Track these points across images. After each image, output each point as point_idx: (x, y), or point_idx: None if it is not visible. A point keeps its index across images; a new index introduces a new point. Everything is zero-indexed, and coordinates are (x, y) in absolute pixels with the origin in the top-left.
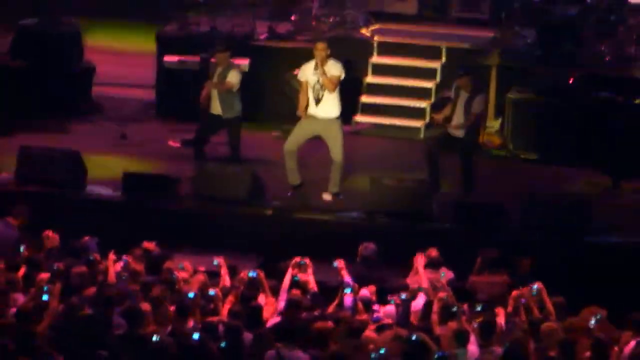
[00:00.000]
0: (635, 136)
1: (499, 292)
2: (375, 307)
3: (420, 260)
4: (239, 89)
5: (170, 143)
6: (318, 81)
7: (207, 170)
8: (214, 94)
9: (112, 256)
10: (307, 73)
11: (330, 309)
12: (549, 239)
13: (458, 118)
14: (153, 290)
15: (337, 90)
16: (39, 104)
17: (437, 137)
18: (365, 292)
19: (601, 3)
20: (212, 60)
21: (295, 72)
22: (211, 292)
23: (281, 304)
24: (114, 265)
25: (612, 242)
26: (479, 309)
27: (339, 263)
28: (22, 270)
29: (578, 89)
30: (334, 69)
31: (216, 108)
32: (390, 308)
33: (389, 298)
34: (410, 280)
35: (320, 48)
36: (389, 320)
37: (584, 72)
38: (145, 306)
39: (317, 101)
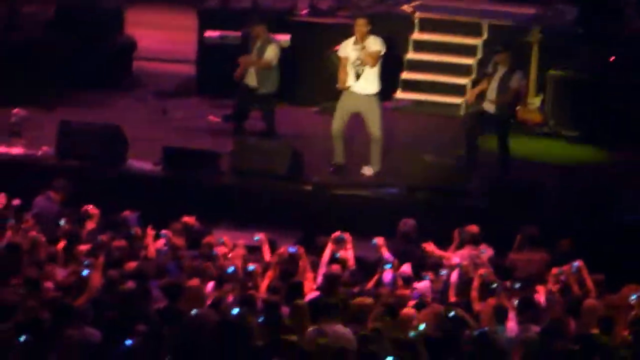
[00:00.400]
0: None
1: (538, 269)
2: (415, 283)
3: (429, 247)
4: (277, 64)
5: (211, 118)
6: (358, 57)
7: (247, 145)
8: (251, 68)
9: (150, 231)
10: (347, 49)
11: (370, 285)
12: (587, 218)
13: (493, 93)
14: (193, 265)
15: (377, 66)
16: (80, 79)
17: (473, 113)
18: (405, 268)
19: None
20: (253, 34)
21: (336, 49)
22: (250, 267)
23: (320, 280)
24: (154, 241)
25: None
26: (518, 286)
27: (378, 240)
28: (61, 244)
29: (619, 68)
30: (375, 44)
31: (252, 80)
32: (426, 284)
33: (424, 274)
34: (449, 255)
35: (361, 24)
36: (427, 296)
37: (626, 50)
38: (185, 280)
39: (357, 77)
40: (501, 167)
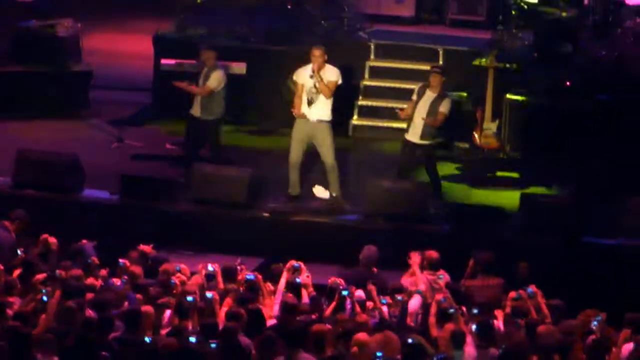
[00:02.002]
0: (632, 136)
1: (495, 294)
2: (373, 308)
3: (415, 259)
4: (221, 91)
5: (167, 146)
6: (314, 85)
7: (205, 172)
8: (197, 96)
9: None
10: (304, 76)
11: (328, 311)
12: (545, 241)
13: (418, 121)
14: (150, 293)
15: (331, 94)
16: (36, 107)
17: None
18: (360, 293)
19: (598, 5)
20: (202, 59)
21: (292, 76)
22: (208, 294)
23: (277, 307)
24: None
25: (609, 244)
26: (475, 311)
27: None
28: (17, 272)
29: (575, 91)
30: (331, 74)
31: (196, 109)
32: (385, 309)
33: (382, 299)
34: (406, 281)
35: (317, 54)
36: (385, 322)
37: (581, 74)
38: (144, 308)
39: (310, 103)
40: (435, 195)
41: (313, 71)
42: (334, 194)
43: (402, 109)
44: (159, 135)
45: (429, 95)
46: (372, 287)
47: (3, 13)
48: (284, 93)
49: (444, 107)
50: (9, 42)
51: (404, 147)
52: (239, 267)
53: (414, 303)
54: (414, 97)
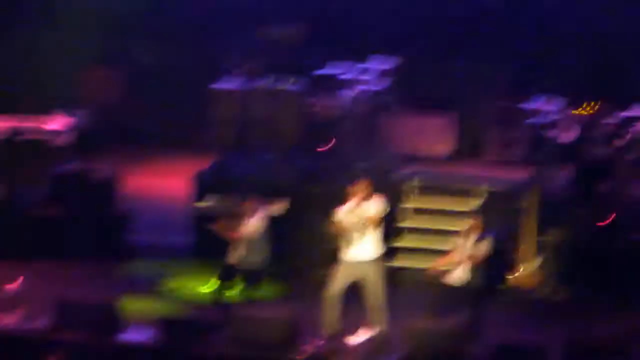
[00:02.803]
0: None
1: None
2: None
3: None
4: (260, 238)
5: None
6: (358, 220)
7: (243, 315)
8: (241, 242)
9: None
10: (345, 213)
11: None
12: None
13: (463, 264)
14: None
15: (378, 229)
16: (75, 249)
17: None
18: None
19: (637, 143)
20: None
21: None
22: None
23: None
24: None
25: None
26: None
27: None
28: None
29: (616, 230)
30: (376, 205)
31: (238, 257)
32: None
33: None
34: None
35: (362, 189)
36: None
37: (622, 212)
38: None
39: (357, 240)
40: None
41: (354, 207)
42: (380, 332)
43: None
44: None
45: (472, 237)
46: None
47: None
48: (323, 234)
49: (485, 247)
50: (49, 185)
51: (445, 291)
52: None
53: None
54: (460, 240)
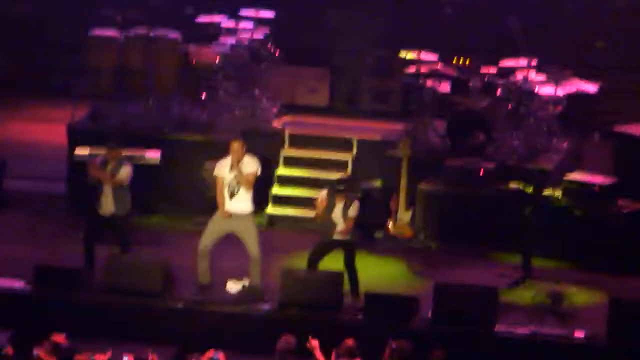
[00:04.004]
0: (545, 225)
1: None
2: None
3: (314, 344)
4: (128, 186)
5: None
6: (235, 177)
7: (119, 262)
8: (106, 191)
9: None
10: (223, 170)
11: None
12: (459, 330)
13: (338, 221)
14: None
15: (251, 186)
16: None
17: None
18: None
19: (511, 95)
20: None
21: (211, 167)
22: None
23: None
24: None
25: (521, 333)
26: None
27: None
28: None
29: (488, 180)
30: (250, 165)
31: (106, 206)
32: None
33: None
34: None
35: (236, 148)
36: None
37: (494, 164)
38: None
39: (231, 196)
40: (352, 290)
41: (232, 165)
42: (253, 283)
43: (315, 204)
44: (73, 225)
45: (338, 203)
46: None
47: None
48: (201, 185)
49: (353, 212)
50: None
51: (320, 241)
52: (150, 357)
53: None
54: (324, 196)
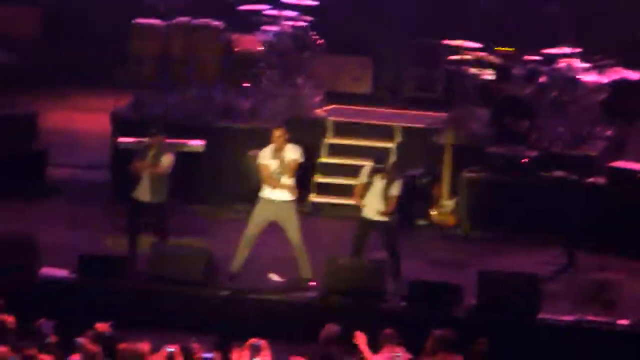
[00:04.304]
0: (589, 213)
1: None
2: None
3: (361, 339)
4: (169, 174)
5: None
6: (277, 165)
7: (163, 250)
8: (144, 178)
9: None
10: (266, 156)
11: None
12: (503, 318)
13: (375, 202)
14: None
15: (294, 174)
16: None
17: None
18: None
19: (555, 83)
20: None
21: (254, 154)
22: None
23: None
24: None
25: (565, 321)
26: None
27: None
28: None
29: (532, 168)
30: (293, 153)
31: (143, 193)
32: None
33: None
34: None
35: (278, 135)
36: None
37: (538, 151)
38: None
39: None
40: (393, 274)
41: (274, 152)
42: (305, 272)
43: (355, 191)
44: (117, 214)
45: (379, 181)
46: None
47: None
48: (246, 173)
49: (395, 190)
50: None
51: (360, 225)
52: (194, 346)
53: None
54: (364, 178)
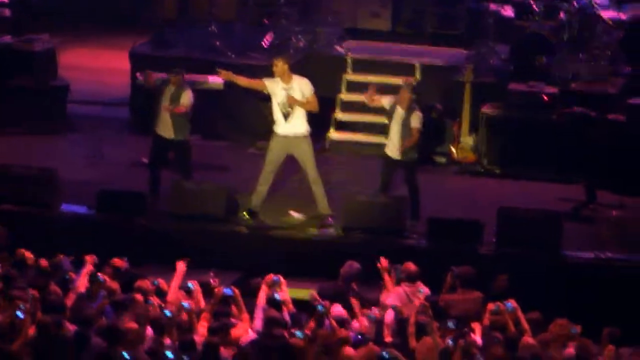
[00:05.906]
0: (610, 151)
1: (475, 308)
2: (355, 323)
3: (385, 264)
4: (190, 111)
5: (143, 160)
6: (286, 98)
7: (183, 187)
8: (165, 115)
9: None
10: (276, 88)
11: (309, 326)
12: (524, 254)
13: (395, 137)
14: (128, 308)
15: (306, 108)
16: (13, 121)
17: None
18: (339, 309)
19: (575, 19)
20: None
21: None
22: (185, 304)
23: (257, 322)
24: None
25: (584, 258)
26: (450, 324)
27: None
28: None
29: (552, 105)
30: (308, 86)
31: (167, 131)
32: (365, 324)
33: (362, 313)
34: (385, 297)
35: (278, 66)
36: (366, 336)
37: (558, 88)
38: (122, 324)
39: (285, 117)
40: (412, 210)
41: (283, 80)
42: (322, 207)
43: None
44: (137, 149)
45: (399, 112)
46: (355, 302)
47: None
48: (261, 107)
49: (416, 122)
50: None
51: (384, 163)
52: (212, 281)
53: (389, 317)
54: (386, 103)
